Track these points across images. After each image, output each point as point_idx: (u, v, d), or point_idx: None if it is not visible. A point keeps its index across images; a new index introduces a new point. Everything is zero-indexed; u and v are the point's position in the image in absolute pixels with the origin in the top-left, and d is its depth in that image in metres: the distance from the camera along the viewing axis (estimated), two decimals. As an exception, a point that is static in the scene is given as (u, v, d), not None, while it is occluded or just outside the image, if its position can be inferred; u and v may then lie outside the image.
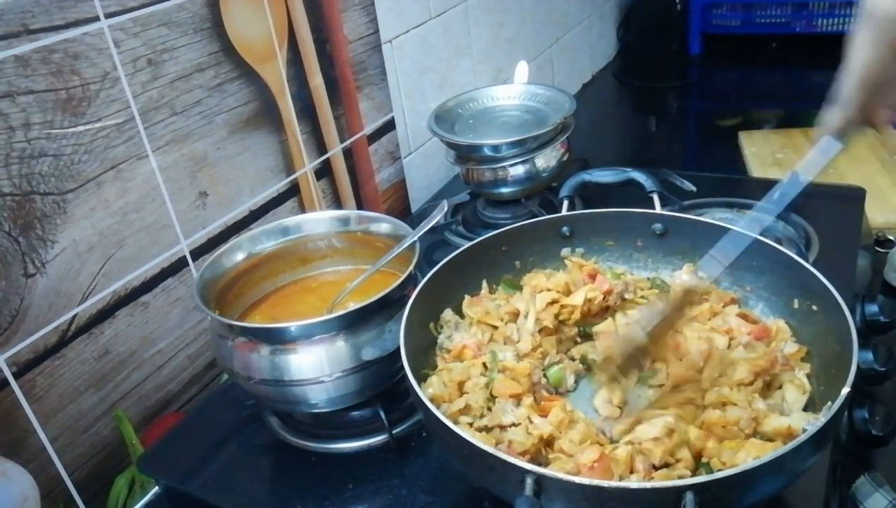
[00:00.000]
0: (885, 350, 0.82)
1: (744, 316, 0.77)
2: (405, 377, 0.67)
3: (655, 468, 0.63)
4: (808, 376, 0.70)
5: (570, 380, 0.78)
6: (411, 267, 0.79)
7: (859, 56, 0.52)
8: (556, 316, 0.80)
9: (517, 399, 0.70)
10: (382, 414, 0.79)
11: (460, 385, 0.72)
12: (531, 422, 0.67)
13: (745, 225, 0.70)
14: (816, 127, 0.59)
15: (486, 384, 0.72)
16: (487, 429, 0.68)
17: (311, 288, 0.93)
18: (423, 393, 0.66)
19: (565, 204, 1.04)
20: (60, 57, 0.75)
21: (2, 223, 0.72)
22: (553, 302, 0.80)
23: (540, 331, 0.79)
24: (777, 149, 1.54)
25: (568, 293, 0.82)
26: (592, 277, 0.84)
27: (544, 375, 0.76)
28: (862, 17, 0.51)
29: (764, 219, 0.66)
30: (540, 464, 0.64)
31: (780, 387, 0.70)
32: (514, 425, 0.68)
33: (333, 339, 0.75)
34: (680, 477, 0.60)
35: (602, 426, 0.70)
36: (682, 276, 0.82)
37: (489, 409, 0.70)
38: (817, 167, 0.61)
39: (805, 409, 0.68)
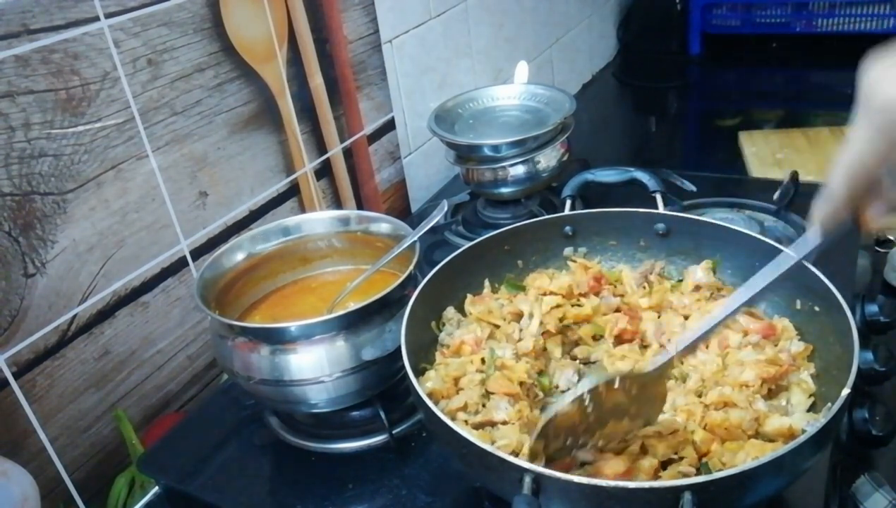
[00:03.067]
0: (885, 350, 0.82)
1: (750, 314, 0.77)
2: (405, 377, 0.67)
3: (663, 467, 0.63)
4: (813, 376, 0.70)
5: (574, 379, 0.78)
6: (411, 267, 0.79)
7: (853, 147, 0.48)
8: (560, 319, 0.80)
9: (512, 398, 0.70)
10: (382, 414, 0.79)
11: (456, 380, 0.72)
12: (522, 416, 0.68)
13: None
14: (808, 219, 0.56)
15: (482, 380, 0.72)
16: (481, 426, 0.68)
17: (311, 288, 0.93)
18: (422, 387, 0.66)
19: (568, 203, 1.04)
20: (60, 57, 0.75)
21: (2, 223, 0.72)
22: (557, 306, 0.80)
23: (543, 334, 0.79)
24: (777, 149, 1.53)
25: (571, 295, 0.83)
26: (598, 280, 0.84)
27: (538, 376, 0.76)
28: (859, 104, 0.48)
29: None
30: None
31: (787, 389, 0.70)
32: (504, 422, 0.68)
33: (333, 339, 0.75)
34: (684, 475, 0.60)
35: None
36: (697, 272, 0.82)
37: (483, 406, 0.70)
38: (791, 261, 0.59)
39: (808, 410, 0.68)
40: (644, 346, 0.78)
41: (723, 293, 0.81)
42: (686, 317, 0.79)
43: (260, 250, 0.90)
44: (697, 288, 0.82)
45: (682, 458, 0.63)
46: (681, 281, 0.85)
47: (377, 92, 1.22)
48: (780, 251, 0.77)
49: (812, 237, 0.57)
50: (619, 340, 0.80)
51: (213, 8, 0.91)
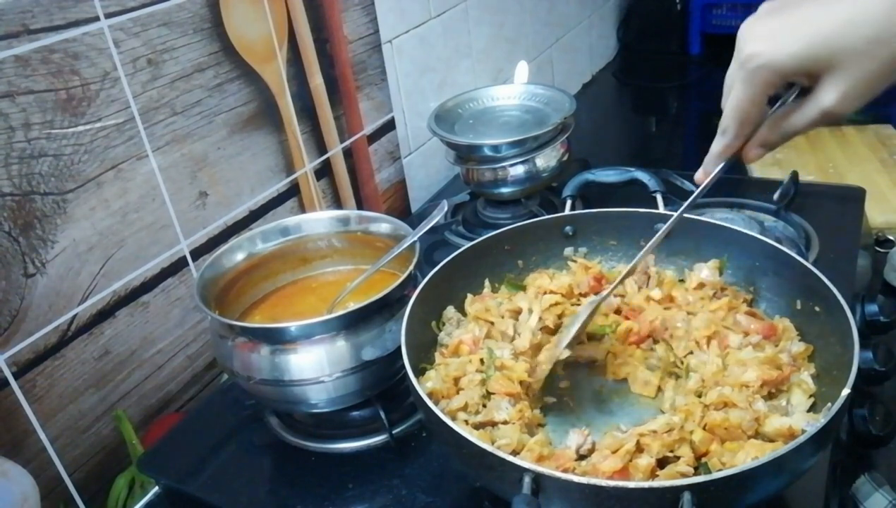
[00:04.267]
0: (885, 350, 0.82)
1: (751, 314, 0.77)
2: (405, 377, 0.67)
3: (661, 466, 0.63)
4: (813, 376, 0.70)
5: (572, 377, 0.78)
6: (411, 267, 0.79)
7: (735, 93, 0.58)
8: (559, 316, 0.80)
9: (513, 398, 0.70)
10: (382, 414, 0.79)
11: (456, 380, 0.72)
12: (523, 416, 0.68)
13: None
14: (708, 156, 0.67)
15: (482, 380, 0.72)
16: (482, 425, 0.69)
17: (311, 288, 0.93)
18: (422, 387, 0.66)
19: (568, 203, 1.04)
20: (60, 57, 0.75)
21: (2, 223, 0.72)
22: (556, 304, 0.80)
23: (541, 330, 0.79)
24: (777, 149, 1.53)
25: (571, 295, 0.83)
26: (598, 280, 0.84)
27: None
28: (736, 58, 0.58)
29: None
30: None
31: (787, 390, 0.70)
32: (504, 422, 0.68)
33: (333, 339, 0.75)
34: (682, 475, 0.60)
35: None
36: (703, 271, 0.82)
37: (484, 406, 0.70)
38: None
39: (809, 410, 0.68)
40: (655, 342, 0.79)
41: (726, 293, 0.81)
42: (689, 314, 0.79)
43: (260, 250, 0.90)
44: (701, 285, 0.82)
45: (678, 458, 0.63)
46: (682, 281, 0.85)
47: (377, 92, 1.22)
48: (781, 251, 0.78)
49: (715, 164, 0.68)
50: (626, 341, 0.80)
51: (213, 8, 0.91)
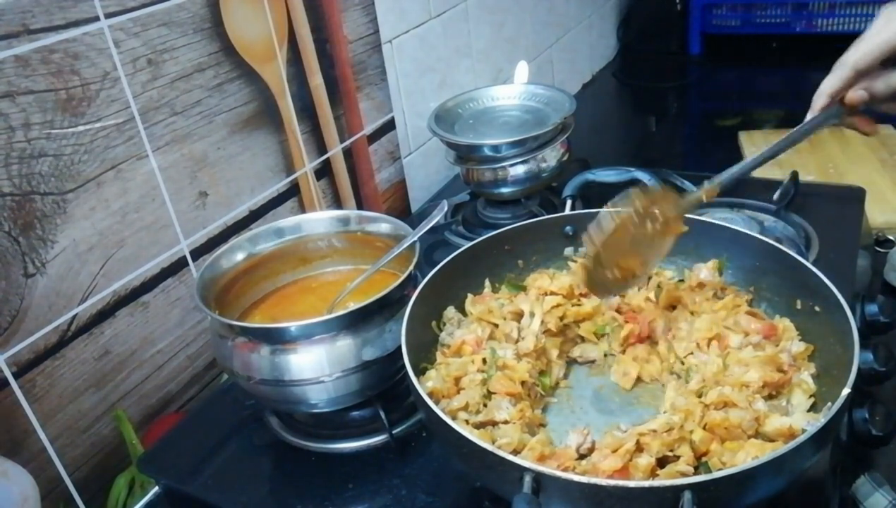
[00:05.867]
0: (885, 350, 0.82)
1: (752, 314, 0.77)
2: (405, 377, 0.67)
3: (661, 466, 0.63)
4: (813, 376, 0.70)
5: (572, 377, 0.79)
6: (411, 268, 0.79)
7: (874, 38, 0.67)
8: (561, 318, 0.80)
9: (514, 397, 0.70)
10: (382, 414, 0.79)
11: (457, 380, 0.72)
12: (524, 415, 0.68)
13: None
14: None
15: (483, 380, 0.72)
16: (482, 425, 0.69)
17: (311, 288, 0.93)
18: (423, 386, 0.66)
19: (569, 203, 1.04)
20: (60, 57, 0.75)
21: (2, 223, 0.72)
22: (557, 305, 0.80)
23: (544, 333, 0.79)
24: (777, 149, 1.53)
25: (572, 295, 0.83)
26: None
27: (539, 376, 0.76)
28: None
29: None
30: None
31: (787, 390, 0.70)
32: (505, 422, 0.68)
33: (333, 339, 0.75)
34: (682, 474, 0.60)
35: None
36: (702, 271, 0.82)
37: (485, 405, 0.70)
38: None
39: (809, 410, 0.68)
40: (654, 343, 0.79)
41: (726, 293, 0.81)
42: (692, 314, 0.79)
43: (260, 250, 0.89)
44: (701, 285, 0.82)
45: (678, 457, 0.63)
46: (681, 281, 0.85)
47: (377, 92, 1.22)
48: (781, 251, 0.78)
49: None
50: (627, 343, 0.80)
51: (213, 8, 0.91)
